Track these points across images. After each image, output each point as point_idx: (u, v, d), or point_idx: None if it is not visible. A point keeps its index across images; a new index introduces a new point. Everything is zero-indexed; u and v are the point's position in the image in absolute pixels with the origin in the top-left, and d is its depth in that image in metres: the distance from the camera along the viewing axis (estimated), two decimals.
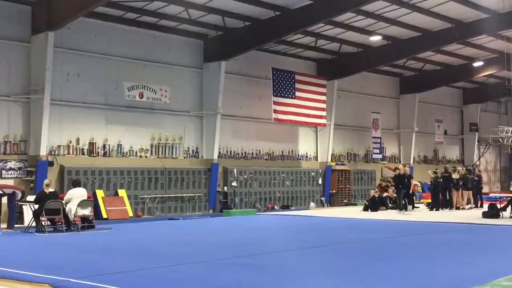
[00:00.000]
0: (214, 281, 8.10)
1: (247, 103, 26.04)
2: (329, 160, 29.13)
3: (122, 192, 21.18)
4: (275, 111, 25.81)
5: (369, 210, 23.71)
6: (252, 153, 26.47)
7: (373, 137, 31.85)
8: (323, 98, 28.01)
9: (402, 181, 22.96)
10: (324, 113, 28.13)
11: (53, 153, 20.06)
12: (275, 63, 26.55)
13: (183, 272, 8.87)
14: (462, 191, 24.11)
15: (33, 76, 19.38)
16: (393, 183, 24.75)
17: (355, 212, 23.23)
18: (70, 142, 20.70)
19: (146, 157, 22.69)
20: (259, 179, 26.07)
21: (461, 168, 25.76)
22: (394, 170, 24.56)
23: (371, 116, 31.71)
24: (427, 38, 26.28)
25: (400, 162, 32.79)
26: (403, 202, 22.90)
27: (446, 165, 29.11)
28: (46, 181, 16.17)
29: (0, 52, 19.06)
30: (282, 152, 27.77)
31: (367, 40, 26.39)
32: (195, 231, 16.39)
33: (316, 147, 29.42)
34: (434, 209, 23.58)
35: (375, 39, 26.09)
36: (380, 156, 32.27)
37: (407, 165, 28.13)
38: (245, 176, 25.53)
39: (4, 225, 16.49)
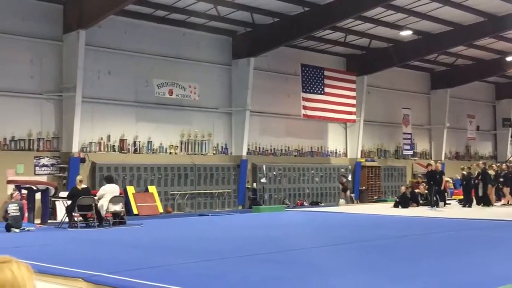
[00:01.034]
0: (244, 277, 8.13)
1: (276, 99, 26.01)
2: (359, 156, 28.95)
3: (152, 189, 21.38)
4: (304, 107, 25.75)
5: (400, 206, 23.48)
6: (281, 150, 26.45)
7: (404, 133, 31.54)
8: (353, 94, 27.84)
9: (433, 178, 22.70)
10: (353, 109, 27.95)
11: (84, 150, 20.34)
12: (304, 59, 26.45)
13: (213, 268, 8.91)
14: (498, 188, 23.73)
15: (65, 74, 19.67)
16: (425, 180, 24.48)
17: (385, 209, 23.03)
18: (101, 139, 20.96)
19: (175, 153, 22.85)
20: (288, 175, 26.04)
21: (495, 165, 25.35)
22: (427, 166, 24.27)
23: (401, 112, 31.39)
24: (459, 32, 25.89)
25: (431, 158, 32.41)
26: (435, 199, 22.63)
27: (482, 162, 28.53)
28: (79, 178, 16.43)
29: (33, 50, 19.38)
30: (311, 148, 27.69)
31: (397, 35, 26.10)
32: (225, 227, 16.44)
33: (345, 143, 29.26)
34: (467, 206, 23.25)
35: (406, 34, 25.79)
36: (410, 152, 31.93)
37: (439, 161, 27.78)
38: (274, 173, 25.52)
39: (38, 221, 16.78)
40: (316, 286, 7.53)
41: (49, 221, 17.08)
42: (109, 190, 16.11)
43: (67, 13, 19.64)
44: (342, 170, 27.81)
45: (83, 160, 19.89)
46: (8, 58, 18.73)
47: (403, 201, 23.74)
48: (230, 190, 23.98)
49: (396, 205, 23.86)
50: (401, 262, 9.42)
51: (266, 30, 23.39)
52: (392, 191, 29.85)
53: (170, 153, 22.73)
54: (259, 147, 25.65)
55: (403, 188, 24.97)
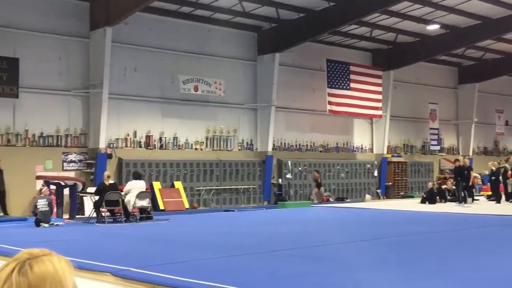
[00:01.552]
0: (271, 272, 8.12)
1: (301, 95, 25.91)
2: (385, 152, 28.72)
3: (178, 184, 21.49)
4: (330, 103, 25.62)
5: (427, 202, 23.26)
6: (307, 145, 26.37)
7: (431, 128, 31.19)
8: (379, 89, 27.61)
9: (461, 173, 22.41)
10: (379, 104, 27.73)
11: (111, 146, 20.52)
12: (330, 55, 26.31)
13: (240, 263, 8.92)
14: None
15: (92, 71, 19.86)
16: (452, 175, 24.18)
17: (412, 205, 22.83)
18: (128, 135, 21.13)
19: (201, 149, 22.93)
20: (314, 171, 25.93)
21: None
22: (454, 162, 23.97)
23: (428, 107, 31.04)
24: (487, 26, 25.46)
25: (458, 153, 32.00)
26: (463, 195, 22.35)
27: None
28: (106, 173, 16.60)
29: (60, 48, 19.60)
30: (337, 144, 27.55)
31: (424, 29, 25.80)
32: (251, 223, 16.46)
33: (371, 138, 29.06)
34: (495, 202, 22.92)
35: (433, 28, 25.48)
36: (438, 147, 31.57)
37: (466, 157, 27.41)
38: (300, 168, 25.46)
39: (66, 216, 16.98)
40: (344, 282, 7.49)
41: (77, 216, 17.28)
42: (135, 186, 16.25)
43: (94, 10, 19.81)
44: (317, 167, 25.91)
45: (110, 156, 20.07)
46: (37, 55, 18.97)
47: (431, 197, 23.51)
48: (255, 186, 23.99)
49: (423, 201, 23.64)
50: (430, 258, 9.31)
51: (291, 26, 23.31)
52: (419, 187, 29.56)
53: (196, 149, 22.82)
54: (285, 143, 25.60)
55: (430, 184, 24.73)
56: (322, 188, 24.85)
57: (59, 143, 19.56)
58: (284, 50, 23.97)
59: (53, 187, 17.32)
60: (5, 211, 17.32)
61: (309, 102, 26.12)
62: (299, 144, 26.12)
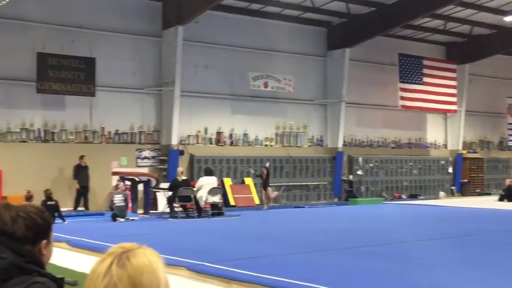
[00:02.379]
0: (346, 269, 8.02)
1: (372, 90, 25.47)
2: (460, 148, 27.84)
3: (248, 180, 21.59)
4: (402, 98, 25.09)
5: (505, 200, 22.38)
6: (378, 141, 25.93)
7: (509, 124, 29.98)
8: (453, 83, 26.80)
9: None
10: (454, 99, 26.92)
11: (183, 142, 20.87)
12: (402, 49, 25.73)
13: (313, 259, 8.86)
14: None
15: (164, 69, 20.25)
16: None
17: (490, 202, 22.02)
18: (199, 131, 21.43)
19: (271, 146, 22.97)
20: (385, 167, 25.50)
21: None
22: None
23: (506, 101, 29.85)
24: None
25: None
26: None
27: None
28: (180, 169, 16.91)
29: (134, 47, 20.09)
30: (409, 140, 26.96)
31: (501, 20, 24.78)
32: (322, 219, 16.34)
33: (445, 134, 28.25)
34: None
35: (511, 19, 24.45)
36: None
37: None
38: (371, 165, 25.07)
39: (141, 211, 17.41)
40: (420, 280, 7.30)
41: (150, 211, 17.67)
42: (207, 182, 16.46)
43: (166, 9, 20.18)
44: (268, 161, 21.53)
45: (181, 153, 20.40)
46: (112, 55, 19.51)
47: (509, 195, 22.61)
48: (325, 183, 23.81)
49: (501, 199, 22.77)
50: (507, 257, 8.94)
51: (362, 20, 22.95)
52: (496, 184, 28.48)
53: (266, 145, 22.87)
54: (355, 139, 25.28)
55: (508, 181, 23.77)
56: (269, 189, 20.22)
57: (133, 140, 20.08)
58: (355, 45, 23.62)
59: (128, 182, 17.79)
60: (86, 206, 17.94)
61: (380, 97, 25.65)
62: (370, 140, 25.72)
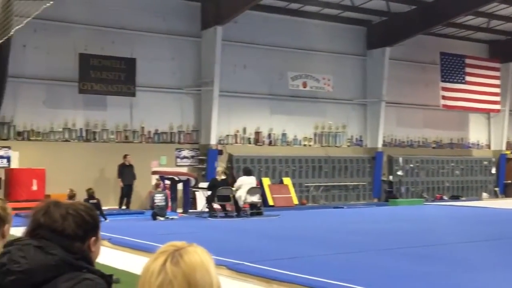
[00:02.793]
0: (384, 271, 7.92)
1: (412, 89, 25.10)
2: (504, 148, 27.21)
3: (287, 180, 21.54)
4: (443, 97, 24.67)
5: None
6: (419, 141, 25.56)
7: None
8: (497, 82, 26.22)
9: None
10: (497, 98, 26.32)
11: (222, 142, 20.95)
12: (443, 47, 25.27)
13: (353, 260, 8.77)
14: None
15: (203, 69, 20.36)
16: None
17: None
18: (237, 131, 21.47)
19: (309, 145, 22.87)
20: (426, 168, 25.11)
21: None
22: None
23: None
24: None
25: None
26: None
27: None
28: (219, 169, 16.96)
29: (173, 47, 20.26)
30: (451, 140, 26.48)
31: None
32: (362, 220, 16.18)
33: (488, 134, 27.65)
34: None
35: None
36: None
37: None
38: (411, 165, 24.72)
39: (180, 210, 17.54)
40: (465, 283, 7.15)
41: (189, 210, 17.78)
42: (246, 182, 16.48)
43: (205, 10, 20.29)
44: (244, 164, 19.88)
45: (220, 152, 20.48)
46: (151, 55, 19.72)
47: None
48: (365, 183, 23.58)
49: None
50: None
51: (402, 18, 22.63)
52: None
53: (304, 145, 22.79)
54: (395, 139, 24.96)
55: None
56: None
57: (172, 140, 20.26)
58: (395, 44, 23.32)
59: (167, 182, 17.94)
60: (128, 205, 18.19)
61: (421, 97, 25.25)
62: (411, 140, 25.36)
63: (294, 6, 21.88)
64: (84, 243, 2.00)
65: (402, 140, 25.14)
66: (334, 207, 20.74)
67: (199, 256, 1.55)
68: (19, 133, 17.91)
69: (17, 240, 1.97)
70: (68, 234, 1.96)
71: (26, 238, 1.97)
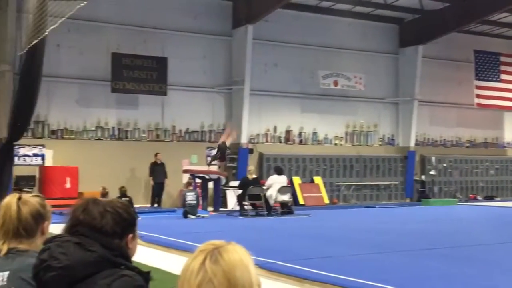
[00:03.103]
0: (417, 271, 7.81)
1: (446, 88, 24.73)
2: None
3: (317, 179, 21.44)
4: (478, 96, 24.27)
5: None
6: (452, 141, 25.19)
7: None
8: None
9: None
10: None
11: (252, 141, 20.95)
12: (477, 45, 24.86)
13: (385, 261, 8.66)
14: None
15: (234, 68, 20.39)
16: None
17: None
18: (268, 130, 21.45)
19: (340, 144, 22.72)
20: (459, 167, 24.75)
21: None
22: None
23: None
24: None
25: None
26: None
27: None
28: (250, 168, 16.97)
29: (204, 46, 20.32)
30: (485, 139, 26.04)
31: None
32: (394, 220, 15.98)
33: None
34: None
35: None
36: None
37: None
38: (444, 165, 24.37)
39: (211, 208, 17.59)
40: (499, 285, 7.00)
41: (220, 209, 17.82)
42: (277, 181, 16.44)
43: (236, 9, 20.31)
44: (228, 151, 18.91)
45: (251, 151, 20.48)
46: (183, 54, 19.82)
47: None
48: (397, 182, 23.33)
49: None
50: None
51: (435, 16, 22.30)
52: None
53: (335, 144, 22.65)
54: (428, 138, 24.64)
55: None
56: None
57: (203, 138, 20.33)
58: (428, 42, 23.02)
59: (198, 180, 18.01)
60: (159, 203, 18.34)
61: (454, 96, 24.87)
62: (444, 139, 25.01)
63: (325, 4, 21.75)
64: (122, 240, 2.02)
65: (435, 139, 24.82)
66: (366, 207, 20.57)
67: (238, 254, 1.54)
68: (53, 132, 18.20)
69: (57, 237, 1.99)
70: (106, 231, 1.97)
71: (65, 235, 1.98)
